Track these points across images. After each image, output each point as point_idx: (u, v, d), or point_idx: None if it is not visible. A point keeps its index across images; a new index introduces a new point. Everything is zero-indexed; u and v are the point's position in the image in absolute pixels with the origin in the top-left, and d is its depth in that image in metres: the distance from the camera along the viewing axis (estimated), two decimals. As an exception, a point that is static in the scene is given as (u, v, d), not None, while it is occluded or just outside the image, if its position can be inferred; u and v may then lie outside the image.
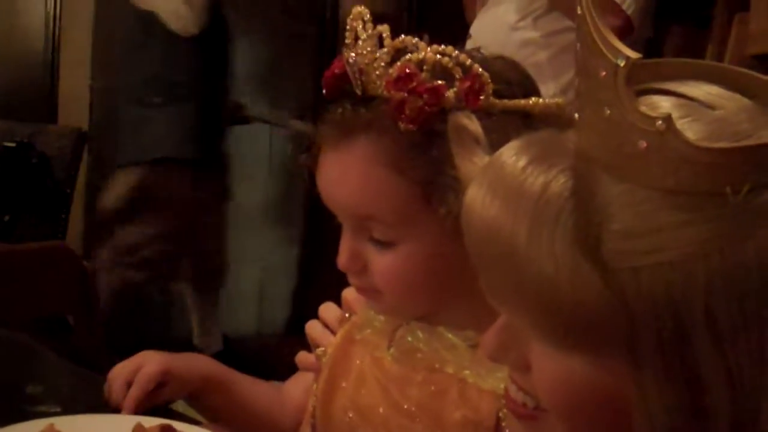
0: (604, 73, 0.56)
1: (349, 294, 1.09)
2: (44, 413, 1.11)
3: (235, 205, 3.30)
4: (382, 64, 0.90)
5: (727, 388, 0.54)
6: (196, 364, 1.22)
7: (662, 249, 0.54)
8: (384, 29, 0.91)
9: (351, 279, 0.98)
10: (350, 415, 1.01)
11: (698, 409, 0.55)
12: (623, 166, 0.56)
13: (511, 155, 0.60)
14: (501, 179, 0.59)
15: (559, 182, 0.57)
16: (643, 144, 0.54)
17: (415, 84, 0.88)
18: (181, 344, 2.99)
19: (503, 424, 0.92)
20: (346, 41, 0.93)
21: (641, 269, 0.54)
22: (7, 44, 3.56)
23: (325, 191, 0.96)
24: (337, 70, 0.94)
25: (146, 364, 1.16)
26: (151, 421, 1.03)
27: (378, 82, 0.90)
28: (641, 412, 0.56)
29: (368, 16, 0.92)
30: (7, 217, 2.51)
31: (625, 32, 2.16)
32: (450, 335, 0.97)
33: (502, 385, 0.90)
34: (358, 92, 0.91)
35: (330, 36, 3.52)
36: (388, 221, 0.93)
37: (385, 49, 0.90)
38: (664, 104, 0.57)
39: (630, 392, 0.56)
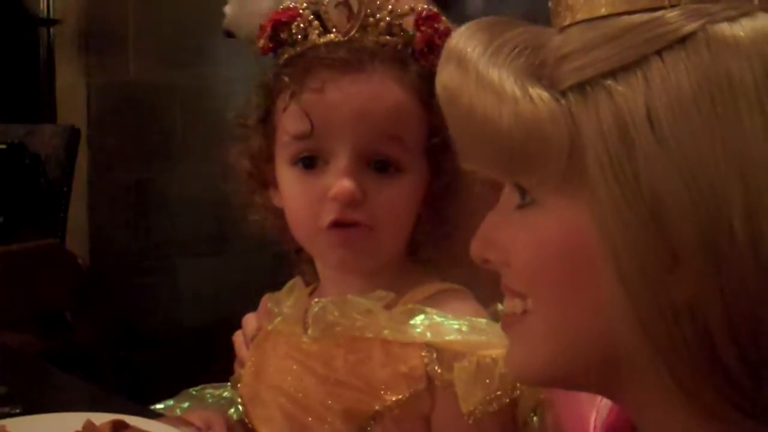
0: None
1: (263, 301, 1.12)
2: (7, 414, 1.12)
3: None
4: (389, 6, 0.98)
5: (687, 198, 0.54)
6: None
7: (604, 59, 0.57)
8: None
9: (346, 213, 0.96)
10: (281, 400, 1.02)
11: (661, 233, 0.55)
12: (569, 14, 0.61)
13: (462, 30, 0.64)
14: (453, 48, 0.63)
15: (511, 33, 0.61)
16: None
17: (440, 24, 0.99)
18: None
19: (430, 370, 0.94)
20: None
21: (586, 84, 0.57)
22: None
23: (352, 109, 0.95)
24: (283, 18, 0.99)
25: None
26: (101, 417, 1.03)
27: (389, 19, 0.98)
28: (606, 251, 0.57)
29: None
30: (1, 219, 2.53)
31: None
32: (362, 300, 0.98)
33: (427, 335, 0.94)
34: (353, 31, 0.97)
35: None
36: (409, 146, 0.97)
37: None
38: None
39: (594, 234, 0.57)
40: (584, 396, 0.81)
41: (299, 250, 1.08)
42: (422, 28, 0.98)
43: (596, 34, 0.58)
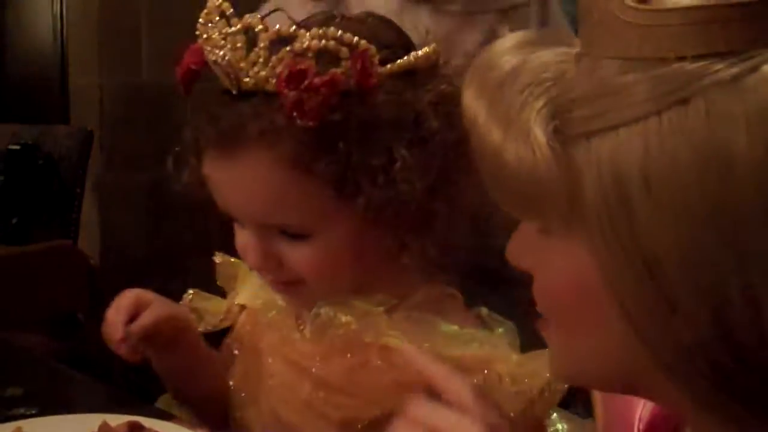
0: None
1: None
2: (22, 415, 1.12)
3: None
4: (261, 60, 0.86)
5: (682, 263, 0.52)
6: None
7: (609, 111, 0.54)
8: (255, 22, 0.87)
9: (265, 276, 0.96)
10: (274, 402, 1.01)
11: (660, 287, 0.53)
12: (584, 41, 0.58)
13: (490, 47, 0.62)
14: (477, 67, 0.61)
15: (535, 61, 0.58)
16: (596, 14, 0.56)
17: (309, 80, 0.84)
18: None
19: None
20: (202, 36, 0.90)
21: (592, 135, 0.54)
22: (14, 44, 3.59)
23: (221, 196, 0.93)
24: (193, 66, 0.92)
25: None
26: (117, 419, 1.03)
27: (259, 78, 0.86)
28: (611, 294, 0.56)
29: (231, 10, 0.89)
30: (15, 220, 2.53)
31: None
32: (362, 303, 0.96)
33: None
34: (234, 91, 0.88)
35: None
36: (297, 223, 0.91)
37: (262, 44, 0.86)
38: None
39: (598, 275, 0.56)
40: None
41: None
42: (285, 91, 0.85)
43: (603, 85, 0.55)
